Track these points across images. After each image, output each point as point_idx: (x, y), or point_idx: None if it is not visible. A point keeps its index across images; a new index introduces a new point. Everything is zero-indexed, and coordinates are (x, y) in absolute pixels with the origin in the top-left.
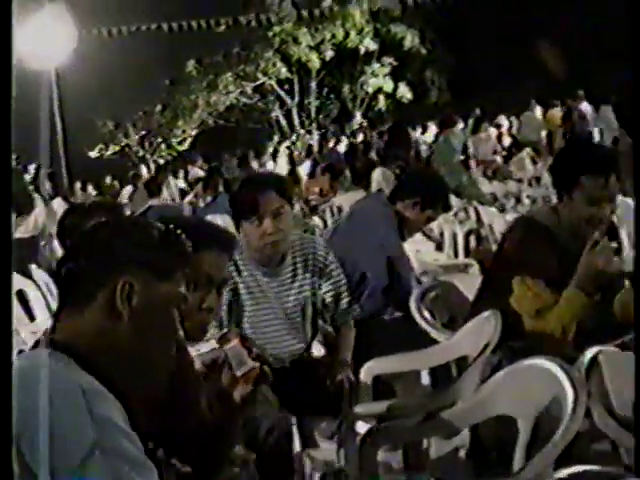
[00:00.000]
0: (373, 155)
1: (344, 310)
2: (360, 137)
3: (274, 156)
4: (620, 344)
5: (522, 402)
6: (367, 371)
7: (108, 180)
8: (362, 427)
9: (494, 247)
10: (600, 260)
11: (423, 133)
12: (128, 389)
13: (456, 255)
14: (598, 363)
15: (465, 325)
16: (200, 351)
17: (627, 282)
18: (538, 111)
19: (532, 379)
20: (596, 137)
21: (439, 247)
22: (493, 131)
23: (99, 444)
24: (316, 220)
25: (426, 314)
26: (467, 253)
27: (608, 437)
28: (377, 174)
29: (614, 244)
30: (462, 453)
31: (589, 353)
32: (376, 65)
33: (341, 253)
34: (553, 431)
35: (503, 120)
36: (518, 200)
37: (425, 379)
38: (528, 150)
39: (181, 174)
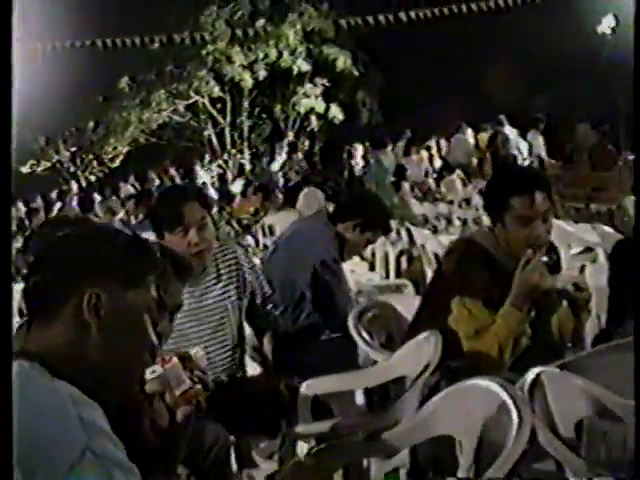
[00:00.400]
0: (292, 175)
1: (267, 312)
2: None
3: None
4: (560, 365)
5: (464, 422)
6: (306, 390)
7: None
8: (302, 447)
9: (426, 268)
10: (533, 276)
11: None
12: (100, 398)
13: (387, 275)
14: (541, 383)
15: (404, 345)
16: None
17: (565, 302)
18: (468, 133)
19: (474, 399)
20: (520, 160)
21: (372, 267)
22: (424, 153)
23: (89, 448)
24: (248, 239)
25: (364, 334)
26: (398, 273)
27: (552, 457)
28: (303, 194)
29: (546, 259)
30: (402, 473)
31: (531, 373)
32: (308, 86)
33: (280, 272)
34: (497, 451)
35: (434, 142)
36: (449, 221)
37: (360, 399)
38: (458, 172)
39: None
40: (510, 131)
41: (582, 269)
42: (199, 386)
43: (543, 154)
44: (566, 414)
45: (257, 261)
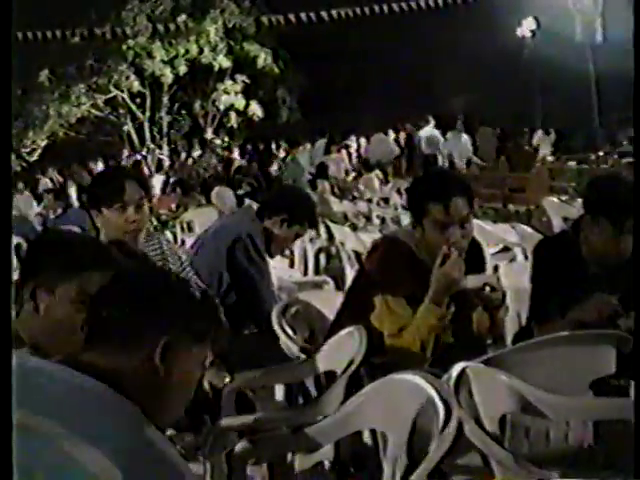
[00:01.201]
0: (205, 172)
1: None
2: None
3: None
4: (485, 360)
5: (389, 416)
6: (230, 385)
7: None
8: (228, 441)
9: (346, 265)
10: (451, 272)
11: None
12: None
13: (306, 272)
14: (466, 378)
15: (328, 340)
16: None
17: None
18: (388, 133)
19: (400, 393)
20: (441, 161)
21: (291, 264)
22: (344, 151)
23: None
24: (167, 235)
25: (287, 329)
26: (317, 270)
27: (478, 450)
28: (214, 192)
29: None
30: (327, 466)
31: (456, 368)
32: (229, 82)
33: (207, 267)
34: (423, 444)
35: (353, 141)
36: (368, 219)
37: (279, 394)
38: (377, 171)
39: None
40: (431, 132)
41: (495, 269)
42: None
43: (470, 154)
44: (490, 408)
45: (183, 255)
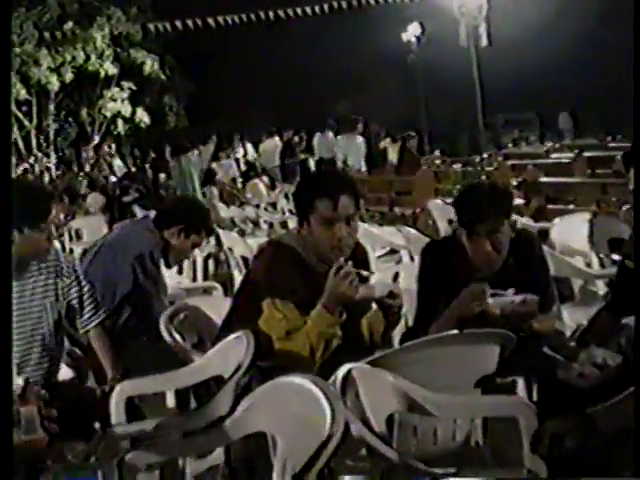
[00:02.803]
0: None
1: (86, 319)
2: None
3: None
4: (371, 361)
5: (279, 419)
6: (120, 392)
7: None
8: (119, 449)
9: (234, 271)
10: (343, 284)
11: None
12: None
13: (195, 278)
14: (352, 379)
15: (216, 346)
16: None
17: (374, 305)
18: (275, 139)
19: (288, 396)
20: (340, 164)
21: (180, 270)
22: (231, 157)
23: None
24: (55, 244)
25: (176, 335)
26: (206, 276)
27: (366, 449)
28: (89, 198)
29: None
30: (220, 471)
31: (342, 370)
32: (115, 89)
33: (102, 275)
34: (312, 446)
35: (240, 147)
36: (256, 224)
37: (170, 400)
38: (264, 177)
39: None
40: (325, 135)
41: (396, 276)
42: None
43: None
44: (377, 408)
45: (77, 264)
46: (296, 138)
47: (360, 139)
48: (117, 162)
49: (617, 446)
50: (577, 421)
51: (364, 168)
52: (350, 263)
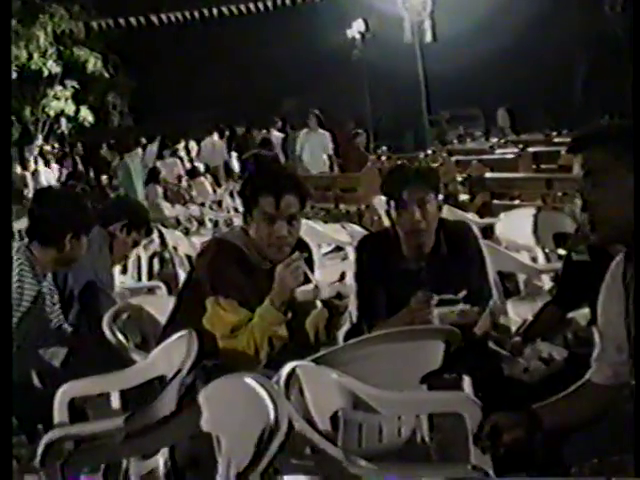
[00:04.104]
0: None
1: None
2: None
3: None
4: (315, 359)
5: (222, 418)
6: (63, 394)
7: None
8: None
9: (179, 270)
10: (293, 278)
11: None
12: None
13: (140, 278)
14: (296, 377)
15: (159, 346)
16: None
17: (319, 304)
18: (215, 137)
19: (232, 395)
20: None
21: (124, 270)
22: (175, 155)
23: None
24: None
25: (119, 335)
26: (151, 276)
27: (311, 447)
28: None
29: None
30: (161, 471)
31: (286, 368)
32: (58, 88)
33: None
34: (256, 445)
35: (184, 145)
36: (201, 223)
37: (115, 401)
38: (208, 175)
39: None
40: (276, 134)
41: (342, 276)
42: None
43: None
44: (321, 406)
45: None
46: (252, 134)
47: (325, 133)
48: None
49: (564, 442)
50: (522, 416)
51: (327, 164)
52: (297, 255)
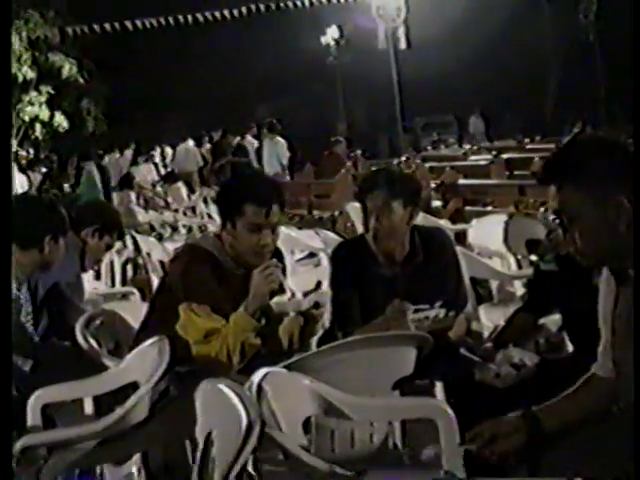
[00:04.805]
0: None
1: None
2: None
3: None
4: (287, 365)
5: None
6: (36, 400)
7: None
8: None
9: (152, 275)
10: (269, 283)
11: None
12: None
13: (113, 284)
14: (268, 383)
15: (132, 352)
16: None
17: (292, 312)
18: (189, 143)
19: (204, 401)
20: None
21: (97, 276)
22: (150, 161)
23: None
24: None
25: (92, 341)
26: (124, 282)
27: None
28: None
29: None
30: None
31: (258, 374)
32: (33, 93)
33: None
34: (230, 451)
35: (159, 151)
36: (175, 229)
37: (88, 407)
38: (180, 182)
39: None
40: (250, 140)
41: (319, 285)
42: None
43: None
44: (294, 412)
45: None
46: (228, 140)
47: (282, 141)
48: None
49: (538, 448)
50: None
51: (280, 171)
52: (274, 262)
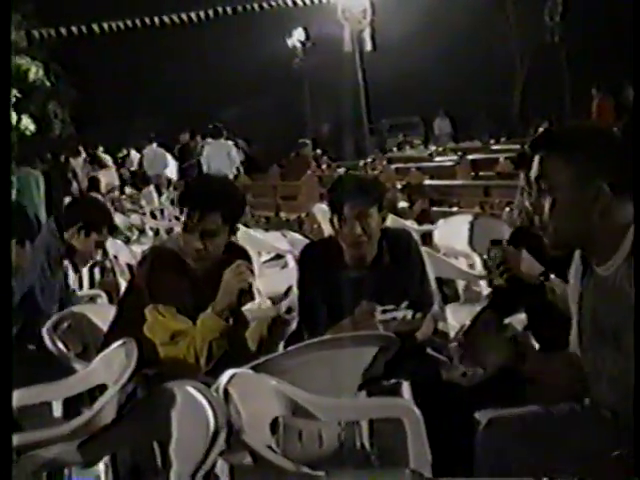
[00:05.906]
0: None
1: None
2: None
3: None
4: (254, 366)
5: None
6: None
7: None
8: None
9: (119, 278)
10: (238, 280)
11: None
12: None
13: (81, 287)
14: (235, 384)
15: (100, 354)
16: None
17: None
18: (153, 146)
19: (172, 403)
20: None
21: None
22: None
23: None
24: None
25: (60, 345)
26: (92, 284)
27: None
28: None
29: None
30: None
31: (225, 375)
32: None
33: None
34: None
35: (126, 154)
36: (142, 232)
37: (57, 410)
38: (152, 185)
39: None
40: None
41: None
42: None
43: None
44: (261, 413)
45: None
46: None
47: (230, 145)
48: None
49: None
50: (461, 421)
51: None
52: (242, 262)
